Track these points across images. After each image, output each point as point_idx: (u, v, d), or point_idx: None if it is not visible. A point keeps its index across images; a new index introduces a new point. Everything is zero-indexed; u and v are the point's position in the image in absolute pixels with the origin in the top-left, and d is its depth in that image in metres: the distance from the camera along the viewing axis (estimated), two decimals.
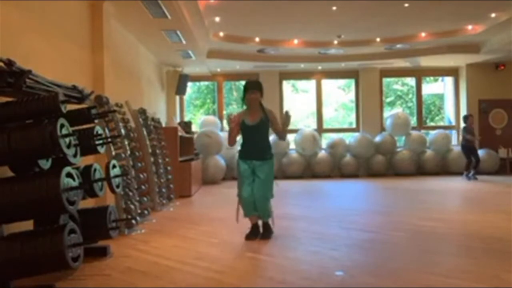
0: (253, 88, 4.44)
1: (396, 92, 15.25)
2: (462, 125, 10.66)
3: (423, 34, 9.45)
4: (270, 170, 4.45)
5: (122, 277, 3.27)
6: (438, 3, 7.39)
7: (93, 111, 3.69)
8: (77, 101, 3.83)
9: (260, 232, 4.45)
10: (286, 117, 4.41)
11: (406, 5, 7.47)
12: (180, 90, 10.80)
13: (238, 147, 4.68)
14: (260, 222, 4.49)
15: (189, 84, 11.49)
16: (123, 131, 5.32)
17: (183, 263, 3.62)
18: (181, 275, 3.31)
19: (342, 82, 14.05)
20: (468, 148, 10.35)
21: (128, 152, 5.37)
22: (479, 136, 10.90)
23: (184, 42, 8.09)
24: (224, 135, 10.74)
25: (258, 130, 4.42)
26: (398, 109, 14.10)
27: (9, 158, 2.88)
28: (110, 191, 3.93)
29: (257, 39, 9.65)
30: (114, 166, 3.88)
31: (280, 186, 4.95)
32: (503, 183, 9.48)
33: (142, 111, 6.67)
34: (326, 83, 12.80)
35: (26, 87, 3.01)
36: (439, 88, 13.69)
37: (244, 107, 4.54)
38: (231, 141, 4.50)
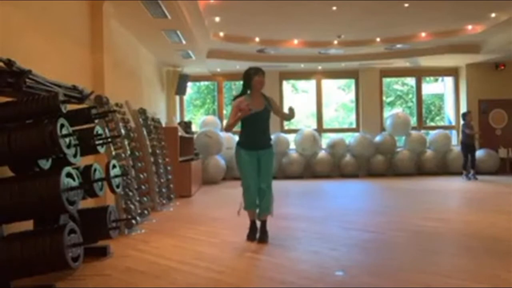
0: (260, 72, 4.30)
1: (396, 92, 15.25)
2: (461, 122, 10.67)
3: (423, 34, 9.45)
4: (273, 159, 4.44)
5: (122, 277, 3.27)
6: (438, 3, 7.39)
7: (93, 111, 3.69)
8: (77, 101, 3.83)
9: (258, 230, 4.39)
10: (291, 112, 4.39)
11: (406, 5, 7.48)
12: (180, 90, 10.80)
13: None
14: (258, 223, 4.42)
15: (189, 84, 11.49)
16: (123, 131, 5.33)
17: (183, 263, 3.62)
18: (181, 275, 3.31)
19: (342, 82, 14.06)
20: (467, 146, 10.33)
21: (128, 152, 5.37)
22: (479, 131, 10.90)
23: (184, 42, 8.09)
24: (224, 135, 10.74)
25: (263, 117, 4.28)
26: (398, 109, 14.11)
27: (9, 158, 2.88)
28: (110, 191, 3.93)
29: (257, 39, 9.66)
30: (114, 166, 3.88)
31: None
32: (503, 183, 9.48)
33: (142, 111, 6.67)
34: (326, 83, 12.81)
35: (26, 87, 3.01)
36: (439, 88, 13.69)
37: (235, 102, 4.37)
38: (231, 127, 4.23)
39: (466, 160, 10.38)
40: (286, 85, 12.84)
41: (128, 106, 6.22)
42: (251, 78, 4.28)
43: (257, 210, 4.39)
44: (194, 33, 7.72)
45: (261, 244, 4.23)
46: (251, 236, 4.36)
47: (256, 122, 4.28)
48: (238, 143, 4.37)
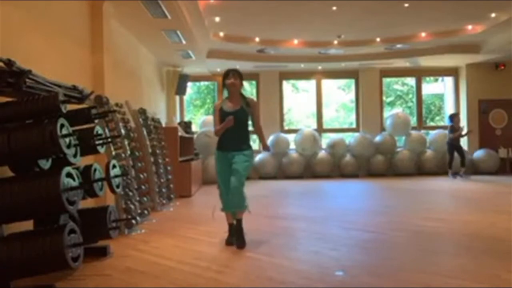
0: (232, 74, 4.26)
1: (396, 92, 15.24)
2: (449, 123, 10.87)
3: (423, 34, 9.45)
4: (246, 162, 4.20)
5: (122, 277, 3.27)
6: (438, 3, 7.39)
7: (93, 111, 3.69)
8: (77, 101, 3.83)
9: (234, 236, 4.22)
10: (265, 148, 4.48)
11: (406, 5, 7.47)
12: (180, 90, 10.80)
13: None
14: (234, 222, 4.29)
15: (189, 84, 11.49)
16: (123, 131, 5.33)
17: (183, 263, 3.62)
18: (181, 275, 3.31)
19: (342, 82, 14.05)
20: (452, 145, 10.58)
21: (128, 152, 5.37)
22: (468, 130, 11.09)
23: (184, 42, 8.09)
24: None
25: (236, 118, 4.14)
26: (398, 109, 14.11)
27: (9, 158, 2.88)
28: (110, 191, 3.93)
29: (257, 39, 9.65)
30: (114, 166, 3.88)
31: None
32: (503, 183, 9.48)
33: (142, 111, 6.68)
34: (326, 83, 12.80)
35: (26, 87, 3.01)
36: (439, 88, 13.69)
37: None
38: (219, 132, 4.24)
39: (452, 159, 10.58)
40: (286, 85, 12.85)
41: (128, 106, 6.22)
42: (224, 83, 4.31)
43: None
44: (194, 33, 7.72)
45: (238, 249, 4.05)
46: (229, 240, 4.24)
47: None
48: (216, 144, 4.36)
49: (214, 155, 4.39)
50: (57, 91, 3.20)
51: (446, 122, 12.74)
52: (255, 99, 4.58)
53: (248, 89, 12.08)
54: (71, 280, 3.20)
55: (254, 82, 12.18)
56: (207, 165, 10.41)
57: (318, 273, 3.28)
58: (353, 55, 10.81)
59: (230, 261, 3.70)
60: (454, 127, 10.61)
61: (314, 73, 12.27)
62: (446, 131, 11.59)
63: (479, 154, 11.42)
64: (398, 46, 10.05)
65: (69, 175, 2.89)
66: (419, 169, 11.49)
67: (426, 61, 11.34)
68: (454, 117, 10.79)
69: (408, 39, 9.67)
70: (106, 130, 4.39)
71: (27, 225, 3.15)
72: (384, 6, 7.48)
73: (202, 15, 7.43)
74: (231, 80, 4.25)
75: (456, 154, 10.64)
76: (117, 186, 3.89)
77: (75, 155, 3.09)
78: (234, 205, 4.24)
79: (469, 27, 9.01)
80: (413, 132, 11.66)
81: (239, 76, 4.30)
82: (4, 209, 2.74)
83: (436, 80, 13.52)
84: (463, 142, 11.22)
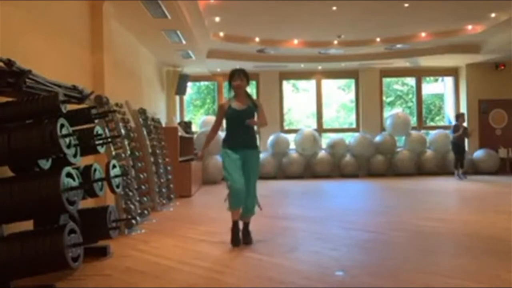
0: (238, 75, 4.30)
1: (396, 92, 15.25)
2: (454, 123, 10.90)
3: (423, 34, 9.46)
4: (259, 160, 4.42)
5: (122, 277, 3.27)
6: (438, 3, 7.39)
7: (93, 111, 3.69)
8: (77, 101, 3.83)
9: (240, 230, 4.27)
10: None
11: (406, 5, 7.48)
12: (180, 90, 10.80)
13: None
14: (240, 224, 4.29)
15: (189, 84, 11.49)
16: (123, 131, 5.33)
17: (183, 263, 3.62)
18: (181, 275, 3.31)
19: (342, 82, 14.06)
20: (455, 144, 10.57)
21: (128, 152, 5.37)
22: (473, 129, 11.13)
23: (184, 42, 8.09)
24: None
25: (247, 116, 4.24)
26: (398, 109, 14.11)
27: (9, 158, 2.88)
28: (110, 191, 3.93)
29: (257, 39, 9.66)
30: (114, 166, 3.88)
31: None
32: (503, 183, 9.48)
33: (142, 111, 6.67)
34: (326, 83, 12.81)
35: (26, 87, 3.01)
36: (439, 88, 13.70)
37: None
38: (215, 131, 4.43)
39: (458, 159, 10.60)
40: (286, 85, 12.85)
41: (128, 106, 6.22)
42: (230, 84, 4.35)
43: (240, 210, 4.27)
44: (194, 33, 7.72)
45: (247, 245, 4.17)
46: (236, 241, 4.18)
47: (239, 120, 4.23)
48: (223, 143, 4.31)
49: (222, 153, 4.29)
50: (57, 91, 3.20)
51: (446, 122, 12.76)
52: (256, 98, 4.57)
53: (248, 89, 12.08)
54: (71, 280, 3.20)
55: (254, 82, 12.18)
56: (207, 165, 10.41)
57: (318, 273, 3.28)
58: (353, 55, 10.81)
59: (230, 261, 3.69)
60: (458, 126, 10.59)
61: (314, 73, 12.27)
62: (447, 131, 11.63)
63: (479, 154, 11.43)
64: (398, 46, 10.06)
65: (69, 175, 2.89)
66: (419, 169, 11.50)
67: (426, 61, 11.34)
68: (459, 117, 10.79)
69: (408, 39, 9.68)
70: (106, 130, 4.39)
71: (27, 225, 3.15)
72: (384, 6, 7.49)
73: (202, 15, 7.43)
74: (237, 82, 4.30)
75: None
76: (117, 186, 3.89)
77: (75, 155, 3.09)
78: (250, 209, 4.31)
79: (469, 27, 9.02)
80: (413, 132, 11.66)
81: (245, 76, 4.35)
82: (4, 209, 2.74)
83: (436, 80, 13.52)
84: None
